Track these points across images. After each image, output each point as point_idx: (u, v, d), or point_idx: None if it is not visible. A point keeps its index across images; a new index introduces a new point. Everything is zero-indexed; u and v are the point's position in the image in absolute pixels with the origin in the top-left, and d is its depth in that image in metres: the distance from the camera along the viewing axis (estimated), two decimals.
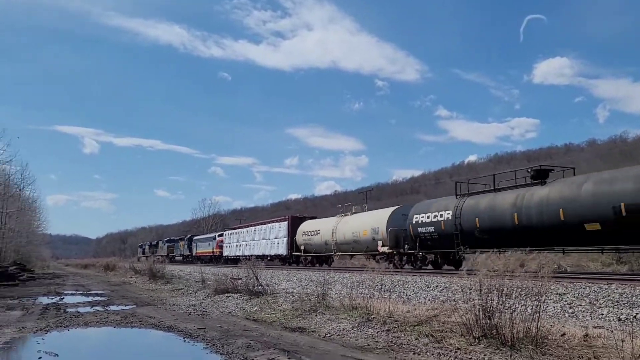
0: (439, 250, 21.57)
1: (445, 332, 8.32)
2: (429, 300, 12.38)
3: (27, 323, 11.46)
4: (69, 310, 14.41)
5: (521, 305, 7.61)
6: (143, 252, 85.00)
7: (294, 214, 41.77)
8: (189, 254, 63.24)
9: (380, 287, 11.56)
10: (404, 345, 7.99)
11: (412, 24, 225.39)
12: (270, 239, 39.42)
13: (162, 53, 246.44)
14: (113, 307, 15.21)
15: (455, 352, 7.30)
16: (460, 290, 10.44)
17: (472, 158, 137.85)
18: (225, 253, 49.40)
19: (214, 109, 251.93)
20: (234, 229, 50.69)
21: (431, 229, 21.56)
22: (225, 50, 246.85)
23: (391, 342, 8.29)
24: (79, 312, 13.93)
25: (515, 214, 17.63)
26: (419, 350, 7.65)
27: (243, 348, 8.14)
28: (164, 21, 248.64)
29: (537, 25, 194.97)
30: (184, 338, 9.56)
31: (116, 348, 9.62)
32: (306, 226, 34.34)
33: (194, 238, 63.90)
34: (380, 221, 25.99)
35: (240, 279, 16.97)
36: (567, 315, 9.52)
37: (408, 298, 13.05)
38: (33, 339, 9.50)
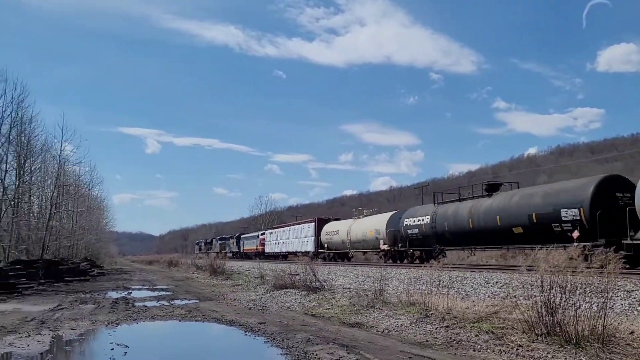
0: (422, 248, 26.21)
1: (506, 329, 8.18)
2: (488, 296, 12.16)
3: (99, 316, 12.12)
4: (136, 304, 15.11)
5: (586, 302, 7.38)
6: (200, 249, 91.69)
7: (320, 216, 45.64)
8: (237, 250, 68.91)
9: (438, 283, 11.48)
10: (463, 342, 7.93)
11: (467, 14, 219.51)
12: (301, 237, 45.13)
13: (218, 54, 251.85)
14: (177, 302, 15.82)
15: (517, 349, 7.18)
16: (521, 286, 10.21)
17: (532, 151, 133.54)
18: (267, 250, 55.36)
19: (269, 107, 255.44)
20: (274, 228, 56.89)
21: (416, 230, 26.49)
22: (280, 48, 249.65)
23: (450, 338, 8.24)
24: (146, 306, 14.59)
25: (470, 220, 22.25)
26: (479, 347, 7.57)
27: (303, 342, 8.31)
28: (220, 22, 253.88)
29: (600, 11, 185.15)
30: (245, 332, 9.85)
31: (182, 341, 10.02)
32: (328, 227, 39.92)
33: (242, 236, 71.09)
34: (382, 223, 31.16)
35: (298, 274, 17.24)
36: (636, 312, 9.13)
37: (467, 294, 12.86)
38: (105, 331, 10.06)
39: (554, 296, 7.40)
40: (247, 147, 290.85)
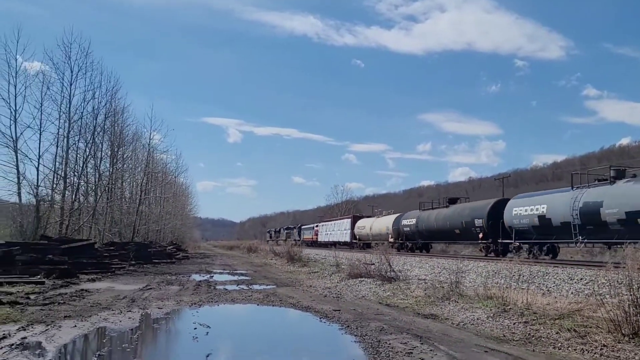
0: (411, 241, 36.87)
1: (590, 327, 7.84)
2: (571, 293, 11.63)
3: (183, 297, 12.82)
4: (218, 287, 15.81)
5: None
6: (270, 237, 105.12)
7: (356, 213, 58.11)
8: (299, 239, 78.03)
9: (517, 277, 11.14)
10: (543, 339, 7.68)
11: None
12: (341, 230, 56.02)
13: (297, 44, 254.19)
14: (256, 287, 16.38)
15: (601, 349, 6.87)
16: (607, 283, 9.69)
17: (625, 141, 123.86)
18: (319, 239, 66.47)
19: (346, 96, 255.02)
20: (325, 221, 68.98)
21: (408, 228, 37.00)
22: (358, 37, 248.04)
23: (529, 334, 8.00)
24: (226, 289, 15.23)
25: (435, 223, 32.61)
26: (559, 344, 7.30)
27: (376, 331, 8.38)
28: (299, 12, 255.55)
29: None
30: (320, 318, 10.06)
31: (259, 324, 10.41)
32: (360, 223, 50.01)
33: (302, 227, 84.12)
34: (390, 222, 41.18)
35: (373, 264, 17.30)
36: None
37: (548, 290, 12.36)
38: (189, 312, 10.65)
39: None
40: (324, 137, 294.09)
